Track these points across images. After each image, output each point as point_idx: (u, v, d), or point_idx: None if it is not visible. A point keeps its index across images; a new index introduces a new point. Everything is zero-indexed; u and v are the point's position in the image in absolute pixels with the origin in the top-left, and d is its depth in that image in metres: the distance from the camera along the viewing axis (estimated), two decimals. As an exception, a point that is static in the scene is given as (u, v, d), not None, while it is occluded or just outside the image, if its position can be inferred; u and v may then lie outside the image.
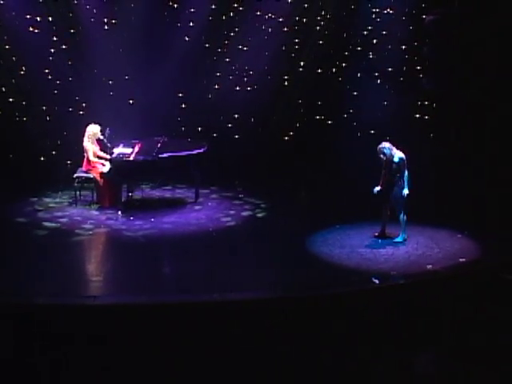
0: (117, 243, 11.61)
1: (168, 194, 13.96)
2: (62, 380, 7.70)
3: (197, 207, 13.13)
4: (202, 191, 13.66)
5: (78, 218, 12.34)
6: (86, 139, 12.83)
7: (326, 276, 10.05)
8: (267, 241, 11.50)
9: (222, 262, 10.57)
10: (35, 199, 13.29)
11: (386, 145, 10.99)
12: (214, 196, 13.80)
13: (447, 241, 11.29)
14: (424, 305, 8.89)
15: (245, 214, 12.82)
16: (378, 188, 11.00)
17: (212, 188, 14.15)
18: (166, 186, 14.29)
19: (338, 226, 11.99)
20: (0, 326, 8.14)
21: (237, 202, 13.47)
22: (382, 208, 11.21)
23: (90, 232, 11.83)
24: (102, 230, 12.01)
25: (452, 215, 12.21)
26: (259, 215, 12.77)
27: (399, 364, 7.96)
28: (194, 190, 13.49)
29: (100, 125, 12.95)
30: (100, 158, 13.01)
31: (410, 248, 11.00)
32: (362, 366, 7.86)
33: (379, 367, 7.85)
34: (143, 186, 13.76)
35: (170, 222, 12.34)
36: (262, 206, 13.24)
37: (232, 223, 12.31)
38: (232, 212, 12.86)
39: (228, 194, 13.89)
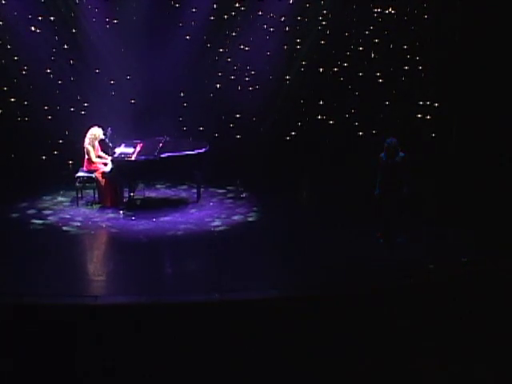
0: (116, 243, 11.62)
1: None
2: (64, 380, 7.72)
3: (196, 207, 13.13)
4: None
5: (79, 218, 12.34)
6: (86, 141, 12.88)
7: (327, 276, 10.06)
8: (268, 240, 11.50)
9: (222, 262, 10.58)
10: (36, 199, 13.30)
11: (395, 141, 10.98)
12: (216, 196, 13.80)
13: (448, 241, 11.29)
14: (425, 304, 8.89)
15: (245, 213, 12.81)
16: (377, 191, 11.07)
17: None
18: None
19: (339, 226, 12.00)
20: (0, 326, 8.17)
21: (238, 202, 13.46)
22: (383, 208, 11.22)
23: (91, 232, 11.86)
24: (102, 229, 12.01)
25: (453, 215, 12.20)
26: (259, 215, 12.75)
27: (399, 363, 7.99)
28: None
29: (102, 128, 12.98)
30: (101, 158, 13.08)
31: (412, 248, 11.00)
32: (362, 365, 7.87)
33: (379, 366, 7.87)
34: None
35: (168, 221, 12.35)
36: (263, 205, 13.21)
37: (232, 223, 12.31)
38: (231, 212, 12.86)
39: (229, 194, 13.90)
